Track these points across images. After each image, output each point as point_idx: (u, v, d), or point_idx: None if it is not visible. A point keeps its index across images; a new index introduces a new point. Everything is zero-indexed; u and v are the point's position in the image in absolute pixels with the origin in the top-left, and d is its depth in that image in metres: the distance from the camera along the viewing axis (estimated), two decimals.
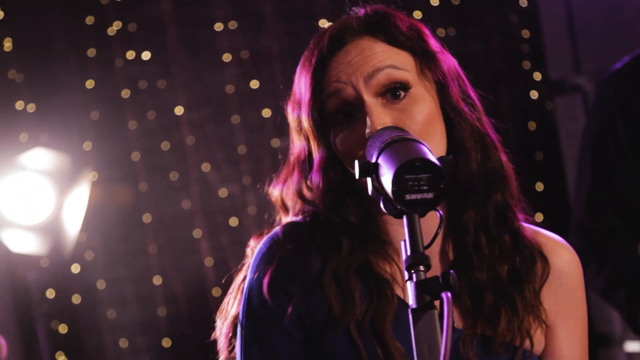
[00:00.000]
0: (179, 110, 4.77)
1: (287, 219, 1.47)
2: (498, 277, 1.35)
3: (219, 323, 1.49)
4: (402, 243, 1.13)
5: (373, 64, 1.34)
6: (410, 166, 1.10)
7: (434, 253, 1.39)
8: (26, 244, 3.84)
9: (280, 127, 4.83)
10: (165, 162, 4.79)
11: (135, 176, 4.76)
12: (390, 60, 1.35)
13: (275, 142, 4.83)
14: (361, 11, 1.42)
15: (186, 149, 4.80)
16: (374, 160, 1.20)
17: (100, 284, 4.73)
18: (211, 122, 4.82)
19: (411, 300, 1.08)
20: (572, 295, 1.42)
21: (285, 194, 1.46)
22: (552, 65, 4.50)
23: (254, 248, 1.47)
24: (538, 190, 4.49)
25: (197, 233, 4.80)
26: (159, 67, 4.75)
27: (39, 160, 3.91)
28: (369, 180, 1.20)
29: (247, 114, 4.82)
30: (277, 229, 1.45)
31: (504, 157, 1.39)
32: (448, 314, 1.01)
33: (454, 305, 1.27)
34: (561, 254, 1.42)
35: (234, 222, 4.82)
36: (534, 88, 4.61)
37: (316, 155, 1.39)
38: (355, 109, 1.35)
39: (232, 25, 4.77)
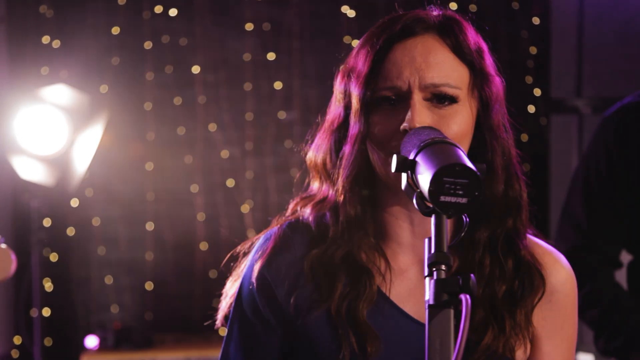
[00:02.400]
0: (195, 69, 4.92)
1: (312, 188, 1.50)
2: (494, 295, 1.37)
3: (222, 300, 1.54)
4: (426, 240, 1.14)
5: (432, 76, 1.35)
6: (450, 170, 1.12)
7: (419, 250, 1.40)
8: (35, 172, 3.97)
9: (288, 101, 5.00)
10: (175, 116, 4.94)
11: (145, 125, 4.91)
12: (447, 78, 1.35)
13: (282, 114, 4.99)
14: (436, 11, 1.42)
15: (197, 107, 4.95)
16: (411, 157, 1.20)
17: (95, 221, 4.91)
18: (224, 85, 4.97)
19: (428, 296, 1.10)
20: (561, 313, 1.42)
21: (316, 157, 1.46)
22: (555, 84, 4.64)
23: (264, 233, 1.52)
24: None
25: (194, 188, 4.97)
26: (183, 25, 4.88)
27: (59, 96, 4.02)
28: (403, 175, 1.22)
29: (259, 83, 4.97)
30: (280, 226, 1.49)
31: (524, 188, 1.43)
32: (466, 316, 1.03)
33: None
34: (557, 272, 1.43)
35: (230, 183, 4.99)
36: (532, 102, 4.76)
37: (354, 128, 1.39)
38: (401, 100, 1.36)
39: None
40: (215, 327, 1.56)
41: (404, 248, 1.43)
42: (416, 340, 1.37)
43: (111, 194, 4.90)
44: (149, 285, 4.93)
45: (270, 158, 4.99)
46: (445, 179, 1.13)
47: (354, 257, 1.40)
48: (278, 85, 4.96)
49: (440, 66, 1.36)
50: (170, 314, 4.91)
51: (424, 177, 1.16)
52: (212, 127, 4.95)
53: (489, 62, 1.41)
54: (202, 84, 4.94)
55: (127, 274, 4.94)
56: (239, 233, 4.95)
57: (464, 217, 1.19)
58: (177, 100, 4.93)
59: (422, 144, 1.22)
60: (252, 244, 1.52)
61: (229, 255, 1.58)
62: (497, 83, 1.42)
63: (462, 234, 1.23)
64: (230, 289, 1.53)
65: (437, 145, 1.21)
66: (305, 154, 1.50)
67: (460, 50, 1.37)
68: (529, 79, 4.82)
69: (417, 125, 1.32)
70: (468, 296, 1.07)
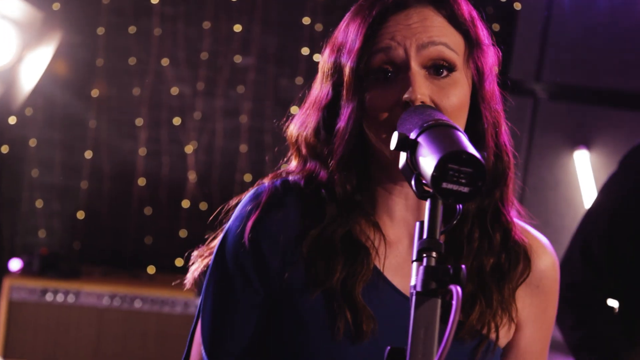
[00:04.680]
0: (155, 0, 4.79)
1: (290, 167, 1.46)
2: (482, 268, 1.37)
3: (195, 261, 1.49)
4: (418, 224, 1.12)
5: (430, 35, 1.32)
6: (457, 157, 1.09)
7: (411, 225, 1.40)
8: None
9: (246, 45, 4.90)
10: (128, 45, 4.80)
11: (95, 50, 4.76)
12: (445, 38, 1.33)
13: (238, 59, 4.88)
14: None
15: (152, 39, 4.82)
16: (413, 137, 1.17)
17: (32, 142, 4.76)
18: (182, 21, 4.84)
19: (414, 281, 1.08)
20: (546, 297, 1.45)
21: (300, 135, 1.42)
22: (515, 65, 4.64)
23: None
24: None
25: (139, 121, 4.85)
26: None
27: (11, 8, 3.87)
28: (402, 154, 1.18)
29: (219, 24, 4.85)
30: (271, 182, 1.43)
31: (512, 159, 1.41)
32: (456, 308, 1.00)
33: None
34: (545, 257, 1.44)
35: (177, 121, 4.88)
36: None
37: (347, 104, 1.35)
38: (397, 72, 1.33)
39: None
40: (184, 288, 1.50)
41: (396, 222, 1.41)
42: (405, 314, 1.31)
43: (52, 117, 4.75)
44: (80, 214, 4.82)
45: (221, 101, 4.90)
46: (450, 165, 1.09)
47: (352, 236, 1.37)
48: (237, 28, 4.85)
49: (438, 29, 1.34)
50: (99, 246, 4.82)
51: (427, 161, 1.11)
52: (165, 61, 4.83)
53: (483, 32, 1.39)
54: (160, 16, 4.81)
55: (59, 200, 4.82)
56: (180, 173, 4.87)
57: (458, 206, 1.15)
58: (132, 29, 4.79)
59: (425, 125, 1.17)
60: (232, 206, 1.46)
61: (218, 209, 1.51)
62: (492, 53, 1.40)
63: (454, 222, 1.17)
64: (199, 257, 1.48)
65: (441, 129, 1.16)
66: (286, 131, 1.46)
67: (456, 20, 1.35)
68: None
69: (419, 96, 1.29)
70: (459, 288, 1.03)
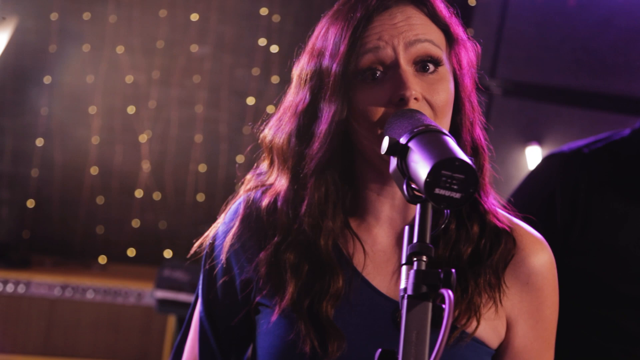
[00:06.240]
0: None
1: (261, 175, 1.48)
2: (459, 257, 1.38)
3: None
4: (407, 228, 1.14)
5: (416, 33, 1.35)
6: (450, 164, 1.10)
7: (397, 224, 1.42)
8: None
9: (203, 34, 4.86)
10: (82, 32, 4.73)
11: (48, 35, 4.69)
12: (430, 35, 1.36)
13: (194, 48, 4.85)
14: None
15: (106, 26, 4.75)
16: (403, 142, 1.18)
17: None
18: (138, 8, 4.78)
19: (404, 284, 1.09)
20: (538, 294, 1.43)
21: (274, 141, 1.43)
22: None
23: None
24: None
25: (92, 109, 4.78)
26: None
27: None
28: (392, 159, 1.19)
29: (175, 12, 4.80)
30: (247, 196, 1.46)
31: (486, 152, 1.42)
32: (449, 312, 1.03)
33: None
34: (537, 253, 1.43)
35: (131, 110, 4.82)
36: None
37: (330, 106, 1.36)
38: (387, 71, 1.34)
39: None
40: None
41: (382, 222, 1.42)
42: (382, 313, 1.36)
43: (2, 102, 4.67)
44: (30, 203, 4.74)
45: (176, 90, 4.86)
46: (444, 172, 1.10)
47: (315, 251, 1.38)
48: (195, 17, 4.81)
49: (422, 26, 1.36)
50: (50, 235, 4.75)
51: (419, 167, 1.13)
52: (120, 49, 4.77)
53: (460, 28, 1.42)
54: (115, 2, 4.75)
55: (8, 188, 4.74)
56: (133, 162, 4.82)
57: (446, 211, 1.17)
58: (86, 16, 4.72)
59: (415, 130, 1.19)
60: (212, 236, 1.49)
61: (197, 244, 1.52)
62: (470, 47, 1.43)
63: (442, 226, 1.21)
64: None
65: (432, 135, 1.18)
66: (260, 133, 1.46)
67: (436, 17, 1.38)
68: None
69: (413, 92, 1.31)
70: (451, 292, 1.05)
